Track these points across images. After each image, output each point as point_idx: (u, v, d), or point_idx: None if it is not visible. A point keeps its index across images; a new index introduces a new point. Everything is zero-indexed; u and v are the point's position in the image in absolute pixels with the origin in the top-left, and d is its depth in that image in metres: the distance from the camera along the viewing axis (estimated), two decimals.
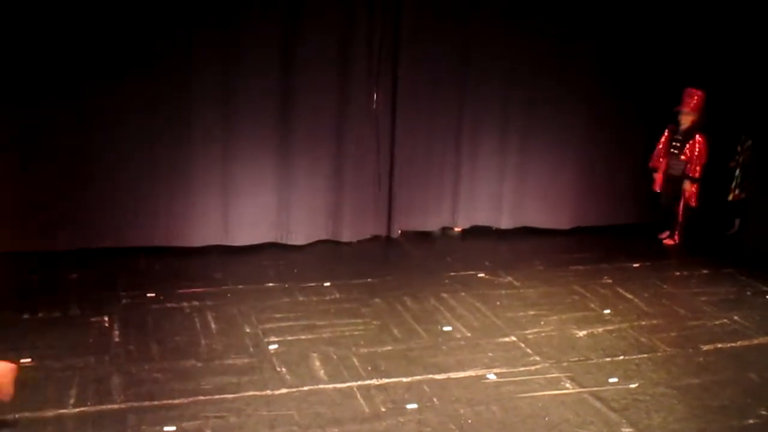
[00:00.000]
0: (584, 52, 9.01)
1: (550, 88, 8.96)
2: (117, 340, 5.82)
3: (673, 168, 8.92)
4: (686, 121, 8.76)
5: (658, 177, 9.13)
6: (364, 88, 8.29)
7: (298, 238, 8.37)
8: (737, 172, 9.36)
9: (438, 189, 8.91)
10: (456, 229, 9.15)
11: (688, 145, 8.77)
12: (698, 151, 8.74)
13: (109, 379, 5.19)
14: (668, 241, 9.19)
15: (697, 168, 8.78)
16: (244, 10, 7.72)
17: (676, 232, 9.15)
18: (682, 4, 9.23)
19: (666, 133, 8.98)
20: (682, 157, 8.80)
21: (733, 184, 9.40)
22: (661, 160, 9.07)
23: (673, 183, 8.98)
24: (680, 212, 9.04)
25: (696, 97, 8.71)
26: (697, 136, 8.74)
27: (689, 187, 8.84)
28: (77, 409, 4.79)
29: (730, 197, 9.45)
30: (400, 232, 8.84)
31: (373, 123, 8.40)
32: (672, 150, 8.90)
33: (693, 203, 8.90)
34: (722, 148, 9.30)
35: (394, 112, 8.48)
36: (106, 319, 6.17)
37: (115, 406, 4.85)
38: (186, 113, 7.70)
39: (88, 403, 4.86)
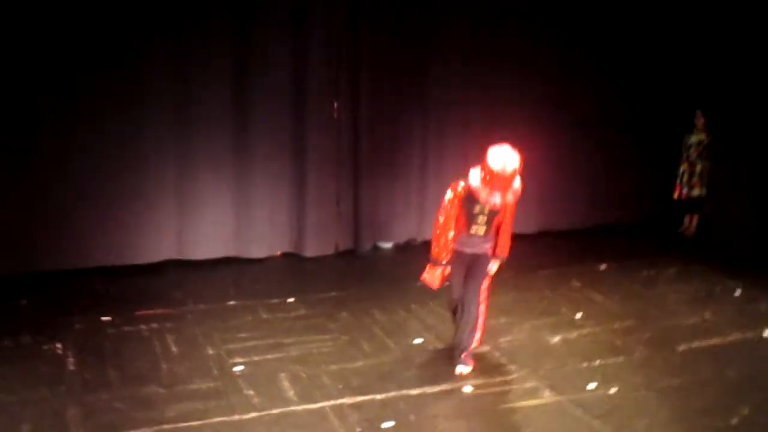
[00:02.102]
0: (543, 57, 8.95)
1: (512, 95, 8.86)
2: (72, 368, 5.50)
3: (471, 245, 5.57)
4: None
5: (453, 273, 5.62)
6: (324, 97, 8.09)
7: (258, 252, 8.11)
8: (682, 170, 9.38)
9: (403, 199, 8.73)
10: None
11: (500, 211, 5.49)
12: (510, 215, 5.65)
13: (65, 411, 4.89)
14: (465, 368, 5.60)
15: (508, 241, 5.73)
16: (196, 22, 7.48)
17: (470, 351, 5.67)
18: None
19: (457, 194, 5.43)
20: (493, 229, 5.58)
21: (679, 181, 9.42)
22: (450, 240, 5.49)
23: (471, 267, 5.63)
24: (479, 317, 5.67)
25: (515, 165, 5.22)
26: (513, 194, 5.38)
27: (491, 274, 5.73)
28: None
29: (675, 195, 9.47)
30: (371, 245, 8.64)
31: (335, 133, 8.19)
32: (475, 221, 5.47)
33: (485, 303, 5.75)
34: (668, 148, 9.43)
35: (357, 123, 8.29)
36: (60, 346, 5.84)
37: None
38: (138, 127, 7.43)
39: None
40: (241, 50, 7.67)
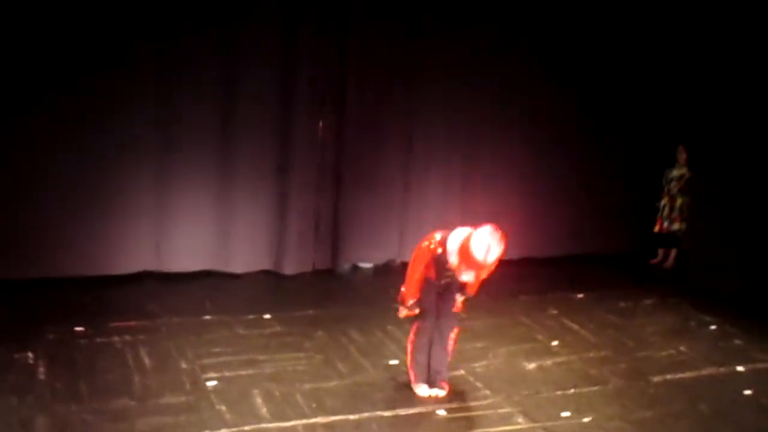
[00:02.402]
0: (528, 91, 9.02)
1: (496, 122, 8.90)
2: (42, 378, 5.43)
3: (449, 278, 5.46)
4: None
5: (425, 299, 5.48)
6: (310, 116, 8.09)
7: (236, 267, 8.07)
8: (663, 203, 9.47)
9: (384, 220, 8.70)
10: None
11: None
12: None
13: (33, 421, 4.82)
14: (440, 391, 5.59)
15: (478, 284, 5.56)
16: (183, 36, 7.48)
17: (445, 380, 5.65)
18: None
19: (431, 249, 5.33)
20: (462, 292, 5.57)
21: (659, 215, 9.50)
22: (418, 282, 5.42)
23: (442, 294, 5.54)
24: (450, 351, 5.66)
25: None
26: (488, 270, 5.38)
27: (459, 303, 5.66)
28: None
29: (656, 229, 9.55)
30: (347, 266, 8.62)
31: (318, 152, 8.19)
32: (446, 277, 5.38)
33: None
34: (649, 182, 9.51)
35: (341, 142, 8.29)
36: (31, 355, 5.76)
37: None
38: (119, 136, 7.39)
39: None
40: (230, 65, 7.67)
